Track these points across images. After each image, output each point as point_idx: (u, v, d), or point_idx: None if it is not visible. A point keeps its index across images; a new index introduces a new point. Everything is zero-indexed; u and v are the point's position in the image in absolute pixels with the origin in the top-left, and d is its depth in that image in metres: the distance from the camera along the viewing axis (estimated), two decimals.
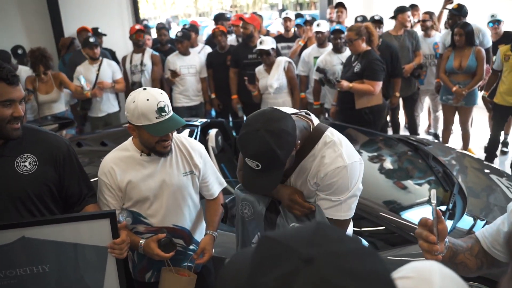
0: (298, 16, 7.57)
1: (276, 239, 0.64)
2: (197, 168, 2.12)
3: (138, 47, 5.45)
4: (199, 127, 3.80)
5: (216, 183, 2.25)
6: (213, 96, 5.61)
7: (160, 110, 1.87)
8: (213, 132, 3.90)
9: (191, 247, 2.21)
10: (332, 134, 1.69)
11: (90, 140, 3.79)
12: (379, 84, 4.14)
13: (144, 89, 1.91)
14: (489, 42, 5.21)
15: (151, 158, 2.03)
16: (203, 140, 3.87)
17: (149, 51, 5.50)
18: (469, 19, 5.15)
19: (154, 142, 1.93)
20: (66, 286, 1.88)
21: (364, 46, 4.13)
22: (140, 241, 2.03)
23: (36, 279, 1.79)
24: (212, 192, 2.24)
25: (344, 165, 1.59)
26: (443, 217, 1.26)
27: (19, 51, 5.94)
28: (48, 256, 1.82)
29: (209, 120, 4.17)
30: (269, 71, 4.66)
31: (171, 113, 1.94)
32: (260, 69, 4.75)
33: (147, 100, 1.86)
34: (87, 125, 5.45)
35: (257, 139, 1.46)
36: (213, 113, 5.94)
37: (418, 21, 6.02)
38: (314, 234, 0.63)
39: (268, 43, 4.54)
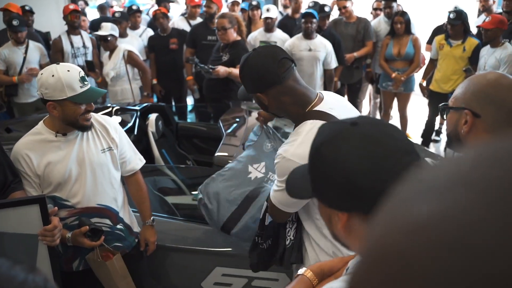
0: None
1: (330, 121, 1.03)
2: (114, 143, 2.10)
3: (73, 29, 5.12)
4: (138, 112, 3.66)
5: (135, 158, 2.22)
6: (154, 81, 5.35)
7: (83, 79, 1.89)
8: (153, 116, 3.76)
9: (118, 226, 2.16)
10: (308, 126, 1.56)
11: (21, 126, 3.56)
12: None
13: (57, 63, 1.90)
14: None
15: (67, 138, 1.98)
16: (143, 125, 3.73)
17: (85, 34, 5.18)
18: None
19: (79, 115, 1.90)
20: None
21: (235, 35, 4.09)
22: (67, 235, 1.95)
23: None
24: (132, 166, 2.20)
25: (281, 155, 1.54)
26: None
27: None
28: None
29: (149, 104, 4.03)
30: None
31: (90, 83, 1.96)
32: (105, 56, 4.70)
33: (68, 71, 1.85)
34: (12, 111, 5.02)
35: (248, 54, 1.64)
36: (155, 98, 5.74)
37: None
38: (357, 117, 0.91)
39: (107, 29, 4.46)
